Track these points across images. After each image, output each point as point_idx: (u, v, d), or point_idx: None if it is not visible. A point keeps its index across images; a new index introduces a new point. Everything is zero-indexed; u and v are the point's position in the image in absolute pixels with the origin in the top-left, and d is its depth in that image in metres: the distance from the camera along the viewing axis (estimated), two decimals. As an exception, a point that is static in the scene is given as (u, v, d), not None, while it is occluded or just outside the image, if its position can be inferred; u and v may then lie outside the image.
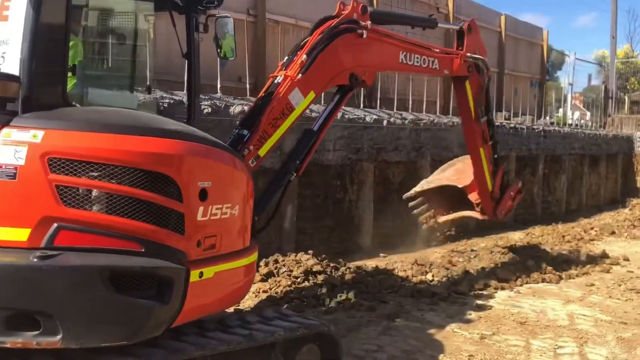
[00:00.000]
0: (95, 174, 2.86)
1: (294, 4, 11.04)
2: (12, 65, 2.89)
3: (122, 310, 2.90)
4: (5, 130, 2.79)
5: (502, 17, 17.08)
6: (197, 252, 3.20)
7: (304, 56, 4.74)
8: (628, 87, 26.91)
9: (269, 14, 10.46)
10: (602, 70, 28.82)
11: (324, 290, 6.68)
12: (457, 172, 8.21)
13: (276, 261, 7.40)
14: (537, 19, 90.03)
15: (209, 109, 7.26)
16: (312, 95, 4.78)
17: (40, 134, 2.78)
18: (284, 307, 5.96)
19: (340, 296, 6.53)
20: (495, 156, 7.51)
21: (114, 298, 2.84)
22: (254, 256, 3.89)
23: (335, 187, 9.29)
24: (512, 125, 13.67)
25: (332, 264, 7.41)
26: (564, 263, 8.68)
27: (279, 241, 8.30)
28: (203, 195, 3.19)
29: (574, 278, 8.10)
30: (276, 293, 6.60)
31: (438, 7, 14.37)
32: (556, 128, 15.93)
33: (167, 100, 6.54)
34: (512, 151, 13.30)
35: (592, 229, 12.55)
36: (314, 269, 7.14)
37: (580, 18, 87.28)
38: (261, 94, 4.75)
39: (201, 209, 3.18)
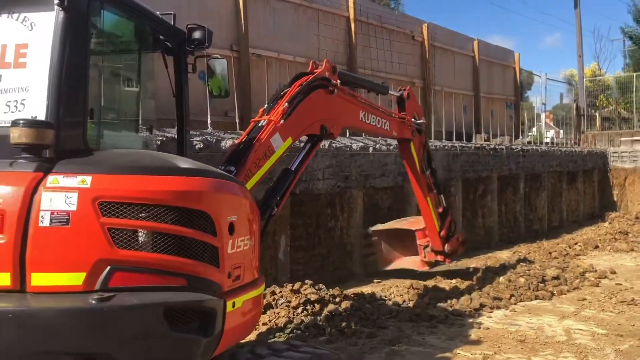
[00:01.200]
0: (143, 215, 2.94)
1: (276, 39, 11.26)
2: (34, 111, 2.95)
3: (176, 346, 2.95)
4: (52, 177, 2.84)
5: (475, 42, 17.59)
6: (229, 283, 3.32)
7: (286, 104, 5.09)
8: (597, 104, 27.72)
9: (251, 49, 10.65)
10: (571, 88, 29.69)
11: (323, 319, 6.71)
12: (409, 222, 9.23)
13: (273, 293, 7.40)
14: (503, 42, 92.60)
15: (201, 145, 7.32)
16: (290, 141, 5.12)
17: (88, 179, 2.84)
18: (286, 338, 5.97)
19: (341, 324, 6.55)
20: (445, 205, 8.44)
21: (169, 334, 2.90)
22: (263, 285, 4.00)
23: (326, 216, 9.37)
24: (491, 146, 13.98)
25: (329, 293, 7.44)
26: (554, 279, 8.84)
27: (274, 272, 8.30)
28: (231, 228, 3.33)
29: (565, 294, 8.25)
30: (276, 325, 6.59)
31: (414, 35, 14.75)
32: (534, 147, 16.32)
33: (160, 138, 6.58)
34: (494, 172, 13.58)
35: (576, 244, 12.81)
36: (312, 299, 7.16)
37: (545, 39, 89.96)
38: (244, 135, 5.03)
39: (230, 241, 3.31)
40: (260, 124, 4.97)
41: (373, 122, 6.61)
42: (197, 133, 7.58)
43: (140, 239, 2.95)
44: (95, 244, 2.81)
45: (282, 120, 4.98)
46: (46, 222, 2.77)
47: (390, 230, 9.39)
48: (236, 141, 5.07)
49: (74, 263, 2.79)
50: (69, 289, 2.78)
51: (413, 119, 7.56)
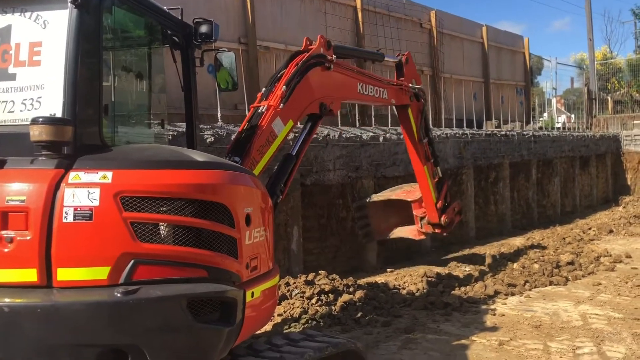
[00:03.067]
0: (164, 208, 2.98)
1: (283, 30, 11.25)
2: (51, 109, 2.98)
3: (200, 336, 3.01)
4: (73, 173, 2.88)
5: (484, 28, 17.45)
6: (247, 274, 3.37)
7: (284, 87, 5.03)
8: (609, 87, 27.43)
9: (259, 41, 10.65)
10: (582, 72, 29.40)
11: (337, 309, 6.75)
12: (405, 192, 9.08)
13: (288, 284, 7.45)
14: (511, 27, 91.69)
15: (212, 138, 7.35)
16: (290, 123, 5.08)
17: (109, 174, 2.88)
18: (302, 328, 6.01)
19: (355, 314, 6.59)
20: (440, 176, 8.31)
21: (193, 325, 2.95)
22: (278, 276, 4.04)
23: (337, 206, 9.39)
24: (502, 132, 13.90)
25: (343, 283, 7.48)
26: (568, 264, 8.82)
27: (287, 263, 8.35)
28: (248, 220, 3.37)
29: (580, 279, 8.23)
30: (291, 315, 6.64)
31: (421, 23, 14.66)
32: (545, 132, 16.21)
33: (171, 132, 6.62)
34: (505, 158, 13.52)
35: (590, 229, 12.74)
36: (325, 289, 7.20)
37: (554, 23, 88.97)
38: (244, 123, 5.00)
39: (247, 233, 3.36)
40: (260, 110, 4.94)
41: (371, 92, 6.54)
42: (208, 127, 7.62)
43: (162, 232, 3.00)
44: (118, 238, 2.85)
45: (281, 105, 4.93)
46: (70, 218, 2.81)
47: (386, 201, 9.29)
48: (238, 130, 5.03)
49: (99, 257, 2.84)
50: (94, 283, 2.83)
51: (410, 85, 7.46)
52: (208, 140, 7.33)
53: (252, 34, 10.51)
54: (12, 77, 3.12)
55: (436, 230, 8.56)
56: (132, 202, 2.89)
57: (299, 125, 5.57)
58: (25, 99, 3.08)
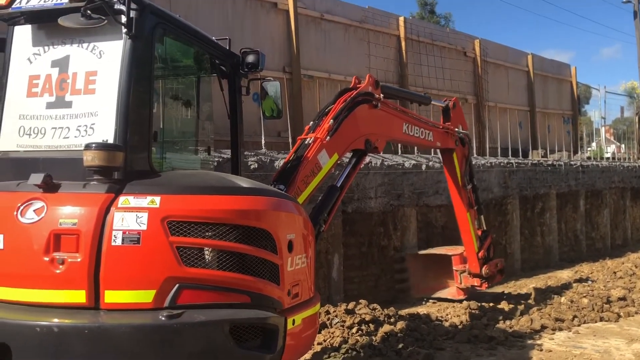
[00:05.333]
0: (209, 234, 3.04)
1: (327, 59, 11.40)
2: (103, 135, 3.11)
3: None
4: (123, 197, 2.99)
5: (529, 57, 17.24)
6: (288, 301, 3.39)
7: (331, 121, 5.16)
8: (661, 116, 26.48)
9: (303, 70, 10.81)
10: (633, 101, 28.61)
11: (378, 339, 6.63)
12: (447, 249, 9.08)
13: (328, 312, 7.38)
14: (558, 55, 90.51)
15: (255, 165, 7.46)
16: (335, 156, 5.18)
17: (157, 199, 2.97)
18: (342, 358, 5.93)
19: (397, 345, 6.46)
20: (485, 228, 8.22)
21: (235, 350, 2.98)
22: (319, 304, 4.03)
23: (379, 234, 9.32)
24: (549, 162, 13.59)
25: (384, 313, 7.36)
26: (620, 300, 8.44)
27: (327, 291, 8.31)
28: (290, 246, 3.41)
29: (633, 315, 7.86)
30: (330, 345, 6.56)
31: (465, 52, 14.61)
32: (594, 162, 15.76)
33: (217, 159, 6.76)
34: (552, 188, 13.19)
35: (643, 263, 12.19)
36: (366, 319, 7.10)
37: (603, 51, 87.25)
38: (291, 153, 5.13)
39: (289, 259, 3.39)
40: (307, 142, 5.07)
41: (416, 133, 6.63)
42: (252, 153, 7.74)
43: (206, 257, 3.04)
44: (164, 262, 2.91)
45: (327, 137, 5.07)
46: (118, 242, 2.89)
47: (426, 256, 9.21)
48: (281, 157, 5.13)
49: (145, 281, 2.90)
50: (139, 306, 2.89)
51: (456, 129, 7.52)
52: (252, 166, 7.44)
53: (297, 63, 10.69)
54: (69, 104, 3.27)
55: (475, 282, 8.31)
56: (178, 227, 2.95)
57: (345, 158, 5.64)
58: (80, 126, 3.22)
